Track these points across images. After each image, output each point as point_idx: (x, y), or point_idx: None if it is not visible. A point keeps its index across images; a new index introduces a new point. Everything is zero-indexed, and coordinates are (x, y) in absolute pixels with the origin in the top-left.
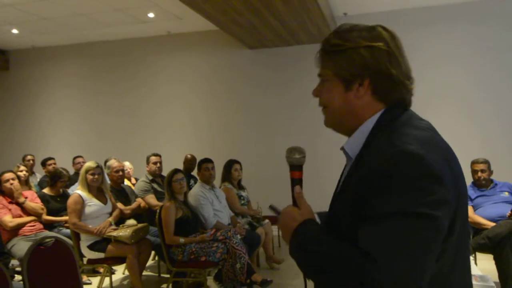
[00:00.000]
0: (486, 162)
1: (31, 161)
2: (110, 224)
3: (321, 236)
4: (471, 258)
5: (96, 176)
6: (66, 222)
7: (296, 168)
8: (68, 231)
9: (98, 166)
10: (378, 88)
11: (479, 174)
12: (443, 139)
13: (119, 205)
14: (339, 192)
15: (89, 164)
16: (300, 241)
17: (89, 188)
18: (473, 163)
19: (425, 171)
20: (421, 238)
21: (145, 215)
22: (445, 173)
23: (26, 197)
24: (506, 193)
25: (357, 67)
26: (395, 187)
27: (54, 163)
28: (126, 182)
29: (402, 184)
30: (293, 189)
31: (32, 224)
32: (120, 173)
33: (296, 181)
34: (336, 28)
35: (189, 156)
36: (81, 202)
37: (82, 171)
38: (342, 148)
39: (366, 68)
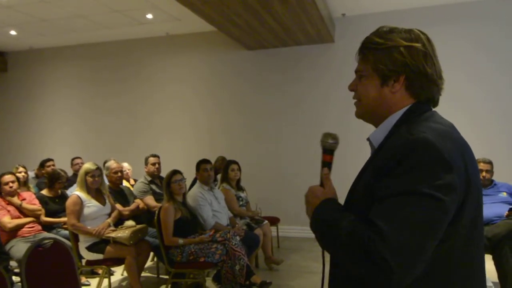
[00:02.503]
0: (491, 162)
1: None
2: (109, 225)
3: (338, 212)
4: None
5: (96, 178)
6: (64, 223)
7: (327, 152)
8: (66, 232)
9: (97, 168)
10: (412, 85)
11: (484, 174)
12: (460, 135)
13: (118, 206)
14: (358, 177)
15: (89, 165)
16: (318, 217)
17: (88, 189)
18: (479, 161)
19: (436, 157)
20: (426, 216)
21: (143, 216)
22: (456, 161)
23: (24, 199)
24: (504, 194)
25: (396, 64)
26: (407, 169)
27: (53, 164)
28: (125, 183)
29: (414, 167)
30: (322, 170)
31: (30, 225)
32: (119, 174)
33: (326, 164)
34: (376, 29)
35: (219, 157)
36: (80, 203)
37: (81, 173)
38: (368, 139)
39: (404, 65)
